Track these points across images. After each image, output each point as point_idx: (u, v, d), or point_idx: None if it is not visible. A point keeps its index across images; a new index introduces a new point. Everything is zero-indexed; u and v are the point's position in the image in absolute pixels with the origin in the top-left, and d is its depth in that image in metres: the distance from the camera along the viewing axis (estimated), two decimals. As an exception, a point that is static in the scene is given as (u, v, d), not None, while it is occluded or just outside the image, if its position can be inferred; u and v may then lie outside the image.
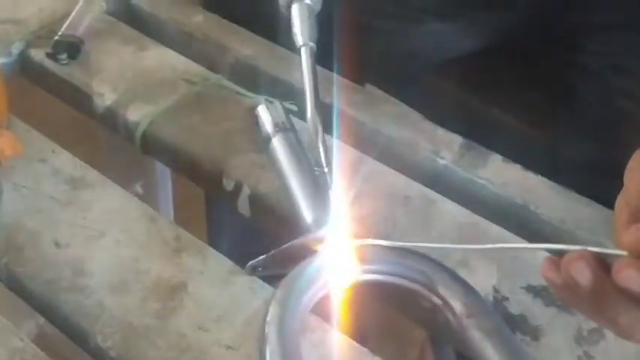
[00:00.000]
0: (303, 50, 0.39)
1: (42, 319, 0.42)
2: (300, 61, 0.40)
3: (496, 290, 0.43)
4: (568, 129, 0.61)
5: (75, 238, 0.42)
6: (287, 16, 0.41)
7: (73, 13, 0.58)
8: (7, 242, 0.42)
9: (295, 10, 0.40)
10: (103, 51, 0.57)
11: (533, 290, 0.43)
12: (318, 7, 0.41)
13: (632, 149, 0.41)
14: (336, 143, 0.50)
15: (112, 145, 0.73)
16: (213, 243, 0.49)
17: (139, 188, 0.82)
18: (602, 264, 0.27)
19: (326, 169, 0.41)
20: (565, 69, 0.63)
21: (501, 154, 0.55)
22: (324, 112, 0.44)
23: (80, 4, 0.59)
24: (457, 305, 0.39)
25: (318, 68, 0.42)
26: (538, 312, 0.41)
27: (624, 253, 0.26)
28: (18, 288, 0.41)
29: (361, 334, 0.41)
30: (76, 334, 0.39)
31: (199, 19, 0.62)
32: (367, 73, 0.62)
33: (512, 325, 0.41)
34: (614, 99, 0.58)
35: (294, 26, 0.40)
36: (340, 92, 0.55)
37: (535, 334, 0.41)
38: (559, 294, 0.29)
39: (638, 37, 0.60)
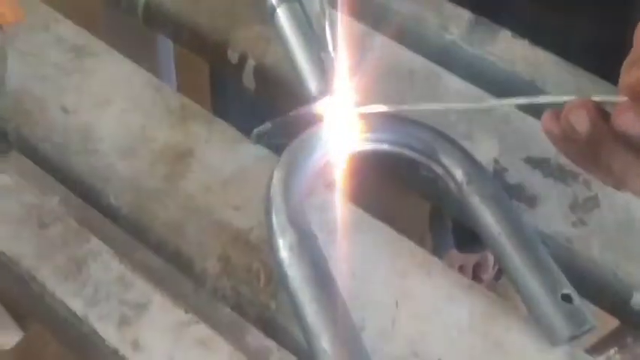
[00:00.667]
0: None
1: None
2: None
3: (496, 162, 0.43)
4: (579, 8, 0.59)
5: (82, 105, 0.43)
6: None
7: None
8: (15, 107, 0.42)
9: None
10: None
11: (533, 162, 0.44)
12: None
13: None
14: (344, 18, 0.49)
15: (114, 25, 0.72)
16: (218, 115, 0.50)
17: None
18: (602, 112, 0.27)
19: (331, 47, 0.40)
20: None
21: (510, 31, 0.54)
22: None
23: None
24: (458, 173, 0.40)
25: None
26: (536, 182, 0.43)
27: (624, 98, 0.26)
28: (29, 152, 0.42)
29: (364, 207, 0.42)
30: (88, 194, 0.40)
31: None
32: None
33: (509, 194, 0.42)
34: None
35: None
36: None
37: (531, 202, 0.42)
38: (557, 145, 0.30)
39: None
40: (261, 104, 0.52)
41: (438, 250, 1.04)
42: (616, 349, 0.69)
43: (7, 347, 0.88)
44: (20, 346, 0.88)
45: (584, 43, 0.59)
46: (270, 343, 0.38)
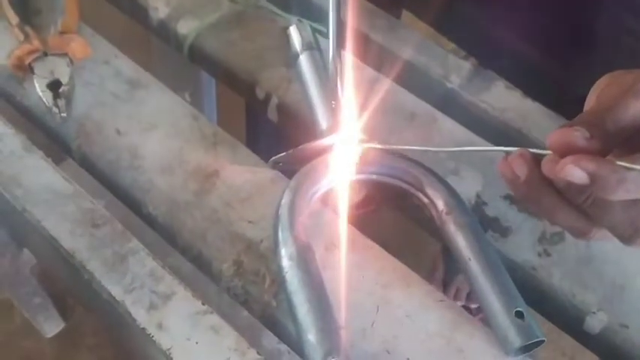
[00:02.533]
0: None
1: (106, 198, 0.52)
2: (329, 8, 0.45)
3: (478, 196, 0.50)
4: (578, 62, 0.65)
5: (132, 128, 0.51)
6: None
7: None
8: (79, 129, 0.51)
9: None
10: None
11: (510, 198, 0.50)
12: None
13: None
14: (356, 63, 0.56)
15: (164, 54, 0.82)
16: (250, 144, 0.58)
17: (187, 96, 0.91)
18: (537, 161, 0.34)
19: (340, 89, 0.48)
20: (583, 4, 0.67)
21: (511, 81, 0.60)
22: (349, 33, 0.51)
23: None
24: (439, 203, 0.47)
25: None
26: (510, 216, 0.49)
27: (549, 152, 0.33)
28: (88, 166, 0.51)
29: (372, 237, 0.49)
30: (132, 204, 0.49)
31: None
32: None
33: (486, 225, 0.49)
34: (623, 37, 0.62)
35: None
36: (366, 17, 0.61)
37: (505, 232, 0.48)
38: (508, 185, 0.37)
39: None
40: (283, 135, 0.60)
41: (449, 275, 1.10)
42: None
43: (50, 335, 0.98)
44: (61, 334, 0.98)
45: (579, 96, 0.65)
46: (282, 347, 0.45)
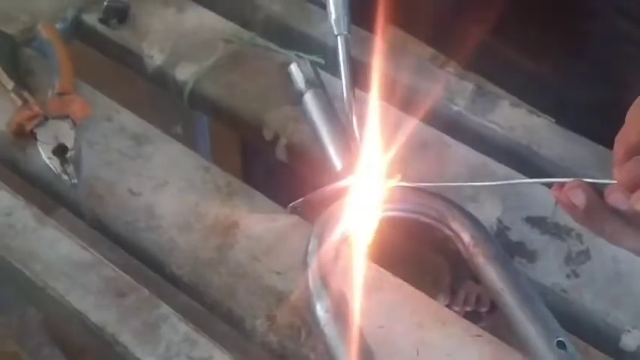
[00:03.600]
0: (339, 40, 0.45)
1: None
2: (337, 48, 0.45)
3: (500, 221, 0.50)
4: (576, 70, 0.66)
5: (145, 187, 0.50)
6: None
7: (118, -20, 0.64)
8: (89, 191, 0.50)
9: (331, 0, 0.45)
10: (148, 13, 0.63)
11: (531, 221, 0.50)
12: None
13: (634, 91, 0.47)
14: (362, 95, 0.56)
15: (153, 89, 0.80)
16: (247, 182, 0.57)
17: (178, 129, 0.90)
18: (595, 189, 0.35)
19: (356, 129, 0.47)
20: (576, 11, 0.67)
21: (512, 93, 0.60)
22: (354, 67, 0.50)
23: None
24: (465, 236, 0.47)
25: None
26: (534, 239, 0.49)
27: (613, 181, 0.33)
28: (102, 229, 0.50)
29: (389, 265, 0.49)
30: (154, 265, 0.48)
31: (231, -21, 0.67)
32: (392, 18, 0.66)
33: (512, 251, 0.49)
34: (619, 42, 0.63)
35: (331, 15, 0.45)
36: (366, 46, 0.61)
37: (531, 257, 0.48)
38: (566, 211, 0.37)
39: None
40: (283, 172, 0.59)
41: (457, 281, 1.11)
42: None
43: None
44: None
45: (580, 103, 0.65)
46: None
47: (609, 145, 0.54)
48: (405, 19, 0.70)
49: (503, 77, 0.73)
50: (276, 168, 0.61)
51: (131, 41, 0.61)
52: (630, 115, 0.39)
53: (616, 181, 0.33)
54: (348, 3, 0.45)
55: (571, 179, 0.37)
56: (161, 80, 0.60)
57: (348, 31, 0.45)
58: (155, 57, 0.60)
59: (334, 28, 0.45)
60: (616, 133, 0.43)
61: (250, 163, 0.79)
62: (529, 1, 0.66)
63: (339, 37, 0.45)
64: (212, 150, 0.91)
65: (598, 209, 0.35)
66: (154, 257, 0.48)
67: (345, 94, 0.46)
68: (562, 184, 0.37)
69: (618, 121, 0.43)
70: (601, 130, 0.58)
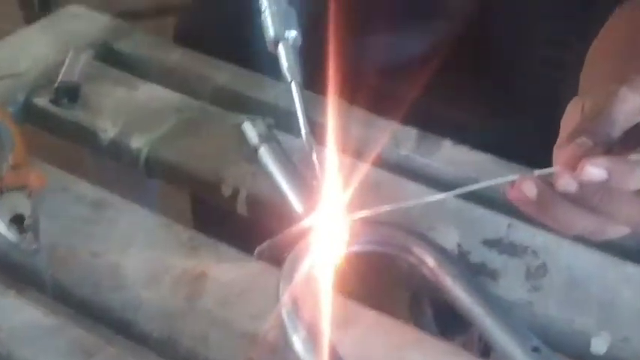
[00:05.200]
0: (293, 85, 0.48)
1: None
2: (292, 94, 0.48)
3: (459, 246, 0.52)
4: (508, 114, 0.72)
5: (107, 249, 0.50)
6: (274, 54, 0.49)
7: (67, 62, 0.66)
8: (50, 258, 0.49)
9: (281, 49, 0.48)
10: (99, 93, 0.65)
11: (489, 243, 0.52)
12: (299, 43, 0.49)
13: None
14: (317, 147, 0.59)
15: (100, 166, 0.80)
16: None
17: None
18: (544, 181, 0.37)
19: (318, 173, 0.49)
20: (496, 58, 0.74)
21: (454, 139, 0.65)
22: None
23: (71, 53, 0.67)
24: (430, 261, 0.48)
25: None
26: (494, 259, 0.51)
27: (556, 169, 0.36)
28: (64, 295, 0.48)
29: (361, 299, 0.49)
30: (122, 325, 0.46)
31: (177, 55, 0.70)
32: (334, 84, 0.71)
33: (474, 271, 0.50)
34: (541, 69, 0.69)
35: (283, 64, 0.48)
36: (316, 106, 0.64)
37: (493, 276, 0.50)
38: (522, 208, 0.39)
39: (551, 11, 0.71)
40: (243, 231, 0.60)
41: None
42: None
43: None
44: None
45: (519, 145, 0.70)
46: None
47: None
48: (344, 87, 0.76)
49: (438, 130, 0.78)
50: (233, 225, 0.61)
51: (84, 118, 0.62)
52: (563, 123, 0.44)
53: (559, 167, 0.36)
54: (297, 53, 0.49)
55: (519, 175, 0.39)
56: (116, 152, 0.61)
57: (301, 79, 0.49)
58: (109, 130, 0.61)
59: (287, 76, 0.48)
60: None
61: (204, 224, 0.79)
62: (457, 55, 0.73)
63: (293, 83, 0.48)
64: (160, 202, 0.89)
65: (549, 198, 0.37)
66: (121, 317, 0.46)
67: (303, 133, 0.49)
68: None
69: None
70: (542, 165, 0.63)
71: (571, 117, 0.42)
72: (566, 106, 0.50)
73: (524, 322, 0.45)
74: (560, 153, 0.37)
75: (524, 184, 0.38)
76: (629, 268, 0.50)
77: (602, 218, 0.37)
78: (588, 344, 0.47)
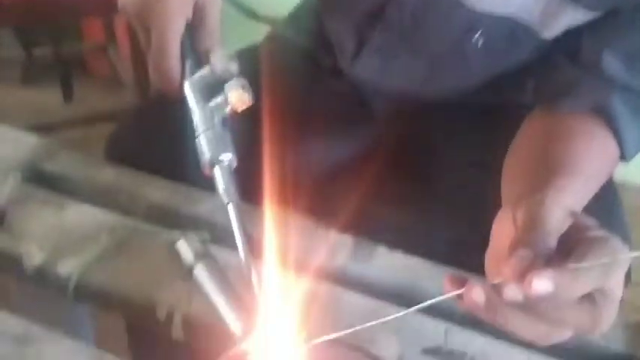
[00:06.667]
0: (230, 207, 0.48)
1: None
2: (229, 215, 0.48)
3: (400, 357, 0.52)
4: (438, 217, 0.74)
5: (31, 391, 0.46)
6: (210, 177, 0.50)
7: (-8, 187, 0.64)
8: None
9: (217, 172, 0.49)
10: (26, 216, 0.63)
11: (429, 352, 0.53)
12: (234, 165, 0.50)
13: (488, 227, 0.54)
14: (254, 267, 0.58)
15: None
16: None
17: (59, 320, 0.84)
18: (492, 287, 0.38)
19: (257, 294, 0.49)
20: (424, 166, 0.78)
21: (388, 240, 0.66)
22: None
23: (-4, 177, 0.65)
24: (372, 377, 0.47)
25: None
26: (434, 367, 0.51)
27: (497, 281, 0.37)
28: None
29: None
30: None
31: (109, 173, 0.70)
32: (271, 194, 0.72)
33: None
34: (470, 185, 0.73)
35: (219, 186, 0.49)
36: (254, 219, 0.64)
37: (436, 387, 0.50)
38: (474, 313, 0.40)
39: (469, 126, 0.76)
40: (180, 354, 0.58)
41: None
42: None
43: None
44: None
45: (448, 242, 0.73)
46: None
47: (478, 273, 0.61)
48: (283, 195, 0.77)
49: (377, 230, 0.80)
50: (170, 348, 0.59)
51: (8, 244, 0.60)
52: (495, 233, 0.45)
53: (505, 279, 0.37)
54: (233, 175, 0.50)
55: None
56: (42, 279, 0.59)
57: (238, 199, 0.49)
58: (35, 256, 0.59)
59: (224, 197, 0.49)
60: (481, 263, 0.49)
61: (139, 347, 0.75)
62: (391, 165, 0.76)
63: (230, 205, 0.48)
64: (96, 336, 0.85)
65: (497, 304, 0.38)
66: None
67: (242, 257, 0.48)
68: (456, 280, 0.41)
69: (482, 253, 0.49)
70: (471, 263, 0.64)
71: (502, 228, 0.44)
72: (492, 209, 0.53)
73: None
74: (509, 265, 0.37)
75: (474, 291, 0.38)
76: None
77: (549, 325, 0.38)
78: None
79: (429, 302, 0.41)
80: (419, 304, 0.59)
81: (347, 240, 0.64)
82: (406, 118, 0.78)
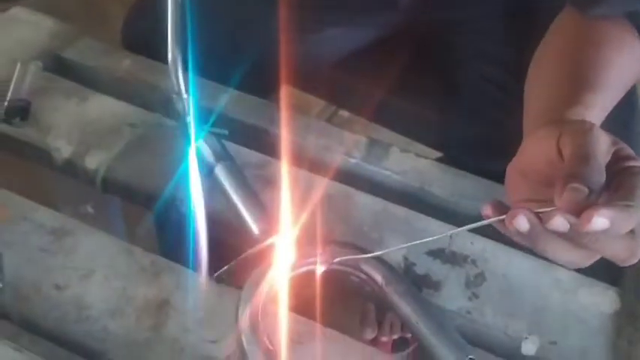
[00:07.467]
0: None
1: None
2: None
3: (406, 258, 0.56)
4: (453, 112, 0.74)
5: (70, 280, 0.52)
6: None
7: (14, 78, 0.65)
8: (15, 293, 0.51)
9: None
10: (50, 107, 0.65)
11: (433, 254, 0.56)
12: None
13: (501, 129, 0.53)
14: (268, 160, 0.61)
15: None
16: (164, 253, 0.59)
17: (89, 208, 0.90)
18: (535, 215, 0.38)
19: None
20: (444, 60, 0.77)
21: (404, 134, 0.67)
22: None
23: (18, 67, 0.66)
24: (378, 278, 0.52)
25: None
26: (437, 269, 0.55)
27: (553, 208, 0.37)
28: (32, 328, 0.50)
29: (319, 314, 0.53)
30: (89, 356, 0.49)
31: (127, 63, 0.70)
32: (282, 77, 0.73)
33: (420, 283, 0.54)
34: (481, 85, 0.72)
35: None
36: (261, 113, 0.66)
37: (437, 287, 0.54)
38: (512, 237, 0.40)
39: (494, 24, 0.74)
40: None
41: (380, 313, 1.16)
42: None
43: None
44: None
45: (460, 140, 0.74)
46: None
47: (488, 175, 0.63)
48: (304, 80, 0.77)
49: (394, 121, 0.81)
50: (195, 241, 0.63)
51: (36, 137, 0.63)
52: (525, 148, 0.44)
53: (556, 208, 0.37)
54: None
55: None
56: (71, 171, 0.62)
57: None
58: (62, 149, 0.62)
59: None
60: (493, 163, 0.50)
61: (166, 237, 0.81)
62: (411, 56, 0.75)
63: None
64: (127, 226, 0.91)
65: (540, 232, 0.38)
66: (88, 348, 0.49)
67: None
68: (498, 206, 0.40)
69: (494, 154, 0.50)
70: (479, 161, 0.66)
71: (538, 147, 0.42)
72: (502, 126, 0.53)
73: (462, 330, 0.50)
74: (565, 196, 0.37)
75: (517, 219, 0.38)
76: (560, 274, 0.55)
77: (587, 252, 0.39)
78: (519, 346, 0.52)
79: (471, 225, 0.41)
80: (426, 206, 0.62)
81: (361, 139, 0.65)
82: (430, 8, 0.75)
